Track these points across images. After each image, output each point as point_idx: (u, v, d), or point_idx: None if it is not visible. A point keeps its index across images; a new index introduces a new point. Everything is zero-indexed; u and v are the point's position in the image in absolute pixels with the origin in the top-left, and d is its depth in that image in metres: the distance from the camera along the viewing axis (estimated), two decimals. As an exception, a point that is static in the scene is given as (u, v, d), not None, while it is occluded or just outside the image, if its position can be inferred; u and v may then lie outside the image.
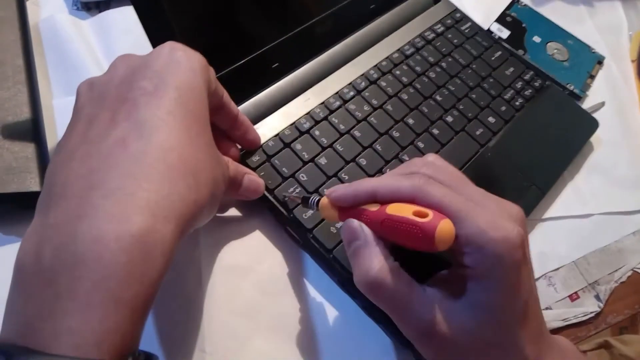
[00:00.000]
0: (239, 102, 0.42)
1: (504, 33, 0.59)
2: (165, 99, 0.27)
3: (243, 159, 0.40)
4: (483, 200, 0.28)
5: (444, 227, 0.25)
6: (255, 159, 0.40)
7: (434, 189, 0.27)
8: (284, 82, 0.46)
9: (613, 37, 0.64)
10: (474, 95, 0.50)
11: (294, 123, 0.43)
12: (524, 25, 0.60)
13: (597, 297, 0.44)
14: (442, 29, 0.54)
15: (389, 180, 0.29)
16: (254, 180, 0.37)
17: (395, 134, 0.45)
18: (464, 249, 0.26)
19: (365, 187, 0.29)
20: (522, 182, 0.46)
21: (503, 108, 0.50)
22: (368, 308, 0.37)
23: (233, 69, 0.42)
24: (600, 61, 0.60)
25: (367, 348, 0.37)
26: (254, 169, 0.40)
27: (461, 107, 0.49)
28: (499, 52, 0.55)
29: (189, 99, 0.28)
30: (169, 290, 0.36)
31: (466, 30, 0.55)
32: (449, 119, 0.47)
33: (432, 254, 0.27)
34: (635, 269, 0.46)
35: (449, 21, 0.55)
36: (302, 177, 0.40)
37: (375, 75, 0.48)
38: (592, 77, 0.58)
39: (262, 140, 0.41)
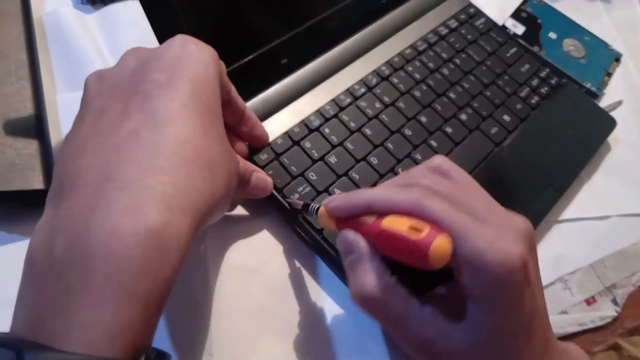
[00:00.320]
0: (246, 98, 0.41)
1: (519, 29, 0.57)
2: (179, 91, 0.26)
3: (251, 157, 0.39)
4: (487, 215, 0.27)
5: (439, 245, 0.24)
6: (264, 157, 0.39)
7: (432, 204, 0.26)
8: (293, 78, 0.45)
9: (630, 34, 0.62)
10: (488, 93, 0.49)
11: (303, 120, 0.42)
12: (539, 21, 0.59)
13: (614, 301, 0.43)
14: (455, 24, 0.53)
15: (385, 193, 0.28)
16: (262, 178, 0.36)
17: (408, 132, 0.44)
18: (462, 268, 0.26)
19: (360, 199, 0.29)
20: (538, 183, 0.44)
21: (518, 106, 0.49)
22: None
23: (241, 64, 0.41)
24: (617, 58, 0.58)
25: (375, 352, 0.36)
26: (262, 167, 0.38)
27: (475, 104, 0.47)
28: (514, 49, 0.53)
29: (202, 91, 0.27)
30: (176, 291, 0.35)
31: (480, 26, 0.54)
32: (463, 117, 0.46)
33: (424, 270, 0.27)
34: (653, 273, 0.45)
35: (462, 16, 0.54)
36: (312, 176, 0.39)
37: (387, 72, 0.47)
38: (609, 74, 0.57)
39: (271, 138, 0.40)
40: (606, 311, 0.42)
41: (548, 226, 0.45)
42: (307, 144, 0.41)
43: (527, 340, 0.27)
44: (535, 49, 0.56)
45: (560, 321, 0.41)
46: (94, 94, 0.28)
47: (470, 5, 0.55)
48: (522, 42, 0.56)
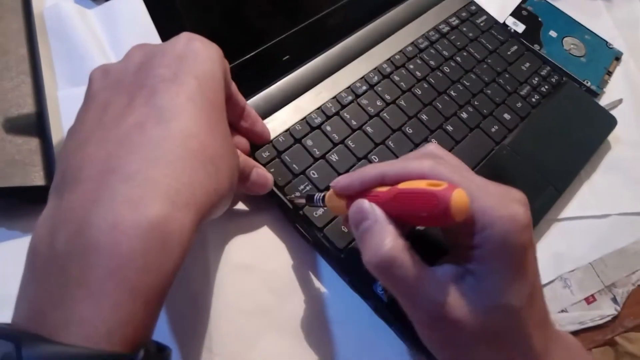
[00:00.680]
0: (248, 95, 0.41)
1: (520, 27, 0.57)
2: (185, 87, 0.26)
3: (252, 154, 0.39)
4: (487, 185, 0.28)
5: (459, 196, 0.24)
6: (265, 154, 0.39)
7: (445, 170, 0.27)
8: (294, 75, 0.44)
9: (631, 32, 0.62)
10: (489, 91, 0.49)
11: (304, 118, 0.42)
12: (540, 19, 0.59)
13: (614, 300, 0.43)
14: (457, 21, 0.53)
15: (397, 163, 0.28)
16: (262, 174, 0.36)
17: (409, 130, 0.44)
18: (471, 228, 0.26)
19: (372, 172, 0.28)
20: (538, 181, 0.44)
21: (519, 104, 0.49)
22: (380, 309, 0.36)
23: (242, 61, 0.41)
24: (617, 57, 0.58)
25: (378, 350, 0.37)
26: (264, 165, 0.38)
27: (476, 103, 0.47)
28: (515, 47, 0.53)
29: (207, 88, 0.27)
30: (176, 288, 0.35)
31: (481, 24, 0.54)
32: (464, 115, 0.46)
33: (434, 238, 0.26)
34: (653, 272, 0.45)
35: (464, 14, 0.54)
36: (313, 174, 0.39)
37: (389, 69, 0.47)
38: (610, 73, 0.57)
39: (272, 135, 0.40)
40: (606, 310, 0.42)
41: (548, 224, 0.45)
42: (308, 142, 0.40)
43: (530, 308, 0.27)
44: (536, 47, 0.56)
45: (560, 319, 0.41)
46: (99, 87, 0.28)
47: (472, 2, 0.55)
48: (522, 40, 0.56)
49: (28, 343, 0.19)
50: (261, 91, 0.43)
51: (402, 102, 0.45)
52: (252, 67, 0.42)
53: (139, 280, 0.21)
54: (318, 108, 0.43)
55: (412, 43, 0.49)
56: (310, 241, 0.38)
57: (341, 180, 0.30)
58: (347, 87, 0.45)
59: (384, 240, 0.26)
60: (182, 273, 0.35)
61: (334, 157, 0.40)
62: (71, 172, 0.24)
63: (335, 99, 0.44)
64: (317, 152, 0.40)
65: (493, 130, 0.46)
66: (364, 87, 0.45)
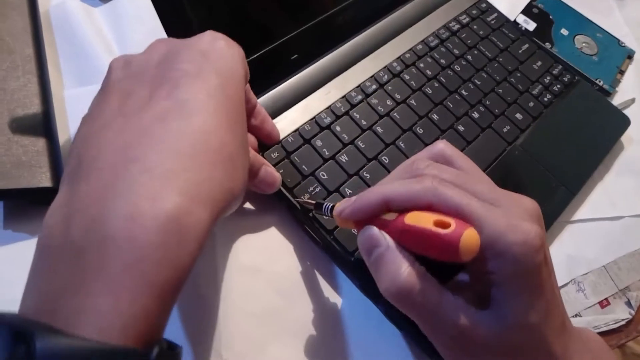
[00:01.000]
0: (256, 94, 0.40)
1: (531, 25, 0.56)
2: (208, 83, 0.26)
3: (261, 154, 0.38)
4: (497, 198, 0.27)
5: (468, 237, 0.24)
6: (275, 155, 0.39)
7: (450, 192, 0.26)
8: (303, 74, 0.44)
9: (643, 31, 0.61)
10: (500, 90, 0.48)
11: (314, 118, 0.41)
12: (551, 16, 0.58)
13: (628, 304, 0.42)
14: (467, 19, 0.52)
15: (400, 187, 0.28)
16: (271, 173, 0.36)
17: (419, 130, 0.43)
18: (484, 254, 0.25)
19: (375, 197, 0.28)
20: (551, 183, 0.44)
21: (531, 104, 0.48)
22: (390, 314, 0.35)
23: (251, 60, 0.40)
24: (630, 55, 0.58)
25: (389, 355, 0.36)
26: (273, 166, 0.38)
27: (487, 102, 0.47)
28: (526, 45, 0.52)
29: (229, 86, 0.27)
30: (184, 288, 0.34)
31: (492, 22, 0.53)
32: (475, 115, 0.45)
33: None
34: (667, 275, 0.44)
35: (474, 12, 0.53)
36: (323, 175, 0.38)
37: (399, 68, 0.46)
38: (622, 72, 0.56)
39: (282, 136, 0.39)
40: (620, 314, 0.42)
41: (560, 227, 0.45)
42: (318, 142, 0.40)
43: (548, 320, 0.26)
44: (547, 45, 0.55)
45: (574, 324, 0.40)
46: (119, 76, 0.27)
47: (482, 0, 0.54)
48: (533, 38, 0.55)
49: (40, 333, 0.19)
50: (269, 90, 0.42)
51: (413, 102, 0.44)
52: (260, 66, 0.41)
53: (156, 274, 0.21)
54: (327, 107, 0.42)
55: (423, 41, 0.49)
56: (320, 244, 0.37)
57: (346, 210, 0.29)
58: (357, 86, 0.44)
59: (400, 268, 0.26)
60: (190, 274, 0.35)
61: (343, 158, 0.40)
62: (87, 159, 0.24)
63: (345, 98, 0.43)
64: (327, 153, 0.40)
65: (505, 130, 0.45)
66: (374, 86, 0.44)
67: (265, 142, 0.39)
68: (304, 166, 0.39)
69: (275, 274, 0.37)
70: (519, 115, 0.47)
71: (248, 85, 0.34)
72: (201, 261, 0.36)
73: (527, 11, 0.58)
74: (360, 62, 0.46)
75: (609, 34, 0.59)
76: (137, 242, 0.21)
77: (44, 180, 0.35)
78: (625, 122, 0.50)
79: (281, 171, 0.38)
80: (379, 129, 0.42)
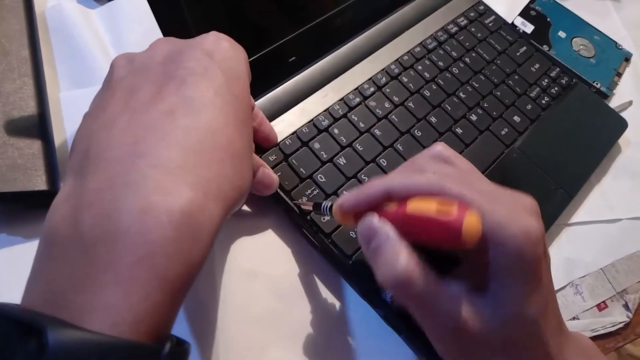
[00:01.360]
0: (254, 97, 0.40)
1: (528, 27, 0.56)
2: (215, 82, 0.26)
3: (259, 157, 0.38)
4: (497, 194, 0.27)
5: (470, 223, 0.23)
6: (272, 157, 0.38)
7: (452, 184, 0.26)
8: (301, 76, 0.44)
9: (640, 33, 0.61)
10: (498, 93, 0.48)
11: (312, 120, 0.41)
12: (548, 19, 0.58)
13: (626, 307, 0.42)
14: (465, 22, 0.52)
15: (402, 177, 0.27)
16: (268, 174, 0.36)
17: (417, 133, 0.43)
18: (484, 244, 0.25)
19: (377, 188, 0.28)
20: (549, 185, 0.44)
21: (529, 107, 0.48)
22: (389, 317, 0.35)
23: (249, 62, 0.40)
24: (627, 58, 0.58)
25: (391, 357, 0.36)
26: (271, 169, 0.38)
27: (485, 105, 0.47)
28: (524, 48, 0.52)
29: (235, 85, 0.27)
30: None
31: (490, 24, 0.53)
32: (473, 117, 0.45)
33: (445, 251, 0.26)
34: (665, 278, 0.44)
35: (472, 14, 0.53)
36: (320, 178, 0.38)
37: (397, 70, 0.46)
38: (619, 74, 0.56)
39: (279, 138, 0.39)
40: (618, 317, 0.42)
41: (558, 229, 0.45)
42: (316, 145, 0.40)
43: (545, 316, 0.26)
44: (545, 48, 0.55)
45: (572, 327, 0.40)
46: (123, 73, 0.27)
47: (480, 2, 0.54)
48: (531, 41, 0.55)
49: (51, 327, 0.18)
50: (267, 93, 0.42)
51: (411, 104, 0.44)
52: (258, 68, 0.41)
53: (168, 269, 0.21)
54: (325, 110, 0.42)
55: (421, 43, 0.49)
56: (318, 247, 0.37)
57: (346, 201, 0.29)
58: (355, 89, 0.44)
59: (399, 258, 0.25)
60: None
61: (341, 161, 0.39)
62: (94, 154, 0.23)
63: (343, 100, 0.43)
64: (325, 156, 0.39)
65: (503, 133, 0.45)
66: (372, 89, 0.44)
67: (263, 145, 0.39)
68: (301, 169, 0.38)
69: (273, 278, 0.37)
70: (516, 118, 0.47)
71: None
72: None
73: (524, 14, 0.58)
74: (358, 65, 0.46)
75: (607, 36, 0.59)
76: (150, 236, 0.20)
77: (40, 183, 0.35)
78: (622, 125, 0.50)
79: (279, 174, 0.38)
80: (377, 132, 0.42)
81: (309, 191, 0.38)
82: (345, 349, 0.35)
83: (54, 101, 0.41)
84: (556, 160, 0.45)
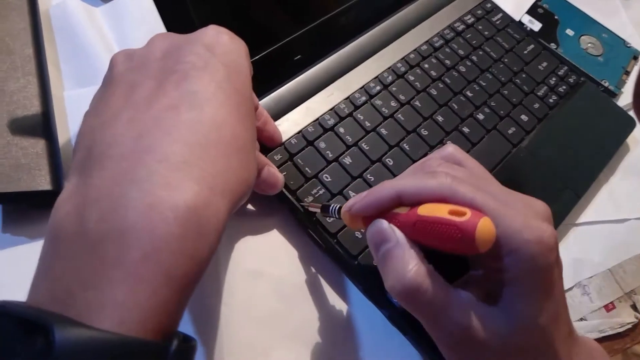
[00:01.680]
0: (258, 96, 0.40)
1: (536, 25, 0.56)
2: (216, 76, 0.26)
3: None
4: (510, 199, 0.27)
5: (484, 227, 0.23)
6: (278, 157, 0.38)
7: (464, 187, 0.25)
8: (306, 75, 0.43)
9: (649, 31, 0.61)
10: (505, 92, 0.47)
11: (317, 119, 0.41)
12: (556, 17, 0.57)
13: (634, 307, 0.42)
14: (472, 19, 0.52)
15: (413, 181, 0.27)
16: (274, 173, 0.35)
17: (424, 132, 0.42)
18: (497, 250, 0.25)
19: (388, 191, 0.27)
20: (557, 185, 0.43)
21: (536, 105, 0.47)
22: (394, 318, 0.35)
23: (253, 61, 0.40)
24: (635, 56, 0.57)
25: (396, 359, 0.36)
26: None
27: (492, 103, 0.46)
28: (532, 46, 0.52)
29: (236, 79, 0.27)
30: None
31: (497, 22, 0.52)
32: (480, 116, 0.45)
33: (455, 258, 0.26)
34: (673, 278, 0.44)
35: (479, 12, 0.52)
36: (326, 177, 0.38)
37: (403, 69, 0.46)
38: (628, 73, 0.55)
39: (285, 137, 0.39)
40: (626, 318, 0.41)
41: (566, 229, 0.44)
42: (321, 144, 0.39)
43: (556, 324, 0.26)
44: (552, 46, 0.55)
45: (579, 328, 0.40)
46: (123, 69, 0.27)
47: (487, 0, 0.54)
48: (539, 39, 0.54)
49: (60, 325, 0.18)
50: (272, 92, 0.42)
51: (417, 103, 0.44)
52: (263, 67, 0.41)
53: (175, 265, 0.21)
54: (331, 109, 0.42)
55: (427, 42, 0.48)
56: (323, 247, 0.37)
57: (356, 204, 0.28)
58: (361, 88, 0.43)
59: (408, 266, 0.25)
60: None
61: (347, 160, 0.39)
62: (98, 150, 0.23)
63: (349, 99, 0.42)
64: (330, 155, 0.39)
65: (510, 132, 0.45)
66: (378, 87, 0.44)
67: (268, 145, 0.38)
68: (307, 168, 0.38)
69: (278, 278, 0.37)
70: (524, 117, 0.46)
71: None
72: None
73: (532, 11, 0.57)
74: (364, 63, 0.45)
75: (615, 34, 0.58)
76: (156, 232, 0.20)
77: (44, 183, 0.34)
78: (631, 124, 0.49)
79: (284, 173, 0.37)
80: (383, 131, 0.41)
81: (315, 191, 0.37)
82: (349, 349, 0.35)
83: (58, 100, 0.40)
84: (564, 159, 0.45)
